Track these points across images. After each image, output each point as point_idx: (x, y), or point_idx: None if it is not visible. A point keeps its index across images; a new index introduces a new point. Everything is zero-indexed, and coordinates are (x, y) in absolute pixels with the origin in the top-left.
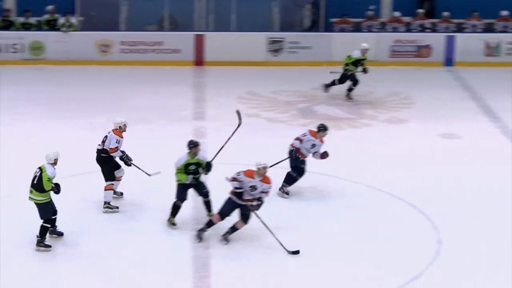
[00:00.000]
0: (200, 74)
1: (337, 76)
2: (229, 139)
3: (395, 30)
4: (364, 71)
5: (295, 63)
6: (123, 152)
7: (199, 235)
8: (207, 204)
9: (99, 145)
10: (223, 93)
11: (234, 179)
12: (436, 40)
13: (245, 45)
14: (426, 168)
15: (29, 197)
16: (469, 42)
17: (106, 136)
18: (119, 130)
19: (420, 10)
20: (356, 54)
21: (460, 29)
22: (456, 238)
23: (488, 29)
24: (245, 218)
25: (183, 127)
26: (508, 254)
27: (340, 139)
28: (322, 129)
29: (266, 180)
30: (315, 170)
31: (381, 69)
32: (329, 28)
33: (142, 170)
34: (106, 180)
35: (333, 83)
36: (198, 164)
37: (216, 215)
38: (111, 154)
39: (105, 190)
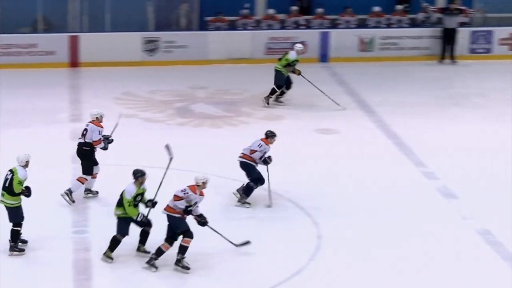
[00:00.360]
0: (75, 76)
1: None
2: (164, 174)
3: (270, 27)
4: (294, 72)
5: (171, 62)
6: (104, 142)
7: (186, 265)
8: (146, 236)
9: (79, 138)
10: (99, 94)
11: (180, 198)
12: (310, 37)
13: (120, 45)
14: (304, 164)
15: (1, 201)
16: (343, 38)
17: (85, 129)
18: (98, 121)
19: (294, 7)
20: (293, 55)
21: (334, 25)
22: (335, 232)
23: (362, 24)
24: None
25: (60, 130)
26: (386, 246)
27: (217, 137)
28: (271, 135)
29: (202, 193)
30: (192, 168)
31: (257, 66)
32: (204, 26)
33: (113, 130)
34: (84, 173)
35: (282, 92)
36: (142, 194)
37: (186, 239)
38: (95, 146)
39: (77, 180)
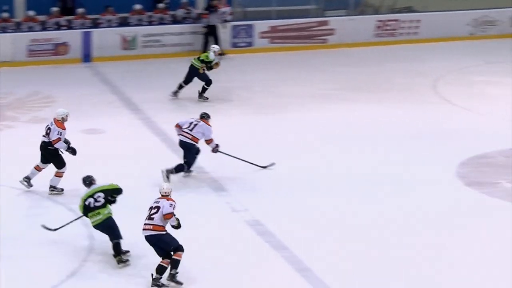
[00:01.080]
0: None
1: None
2: None
3: (30, 29)
4: (212, 67)
5: None
6: (67, 143)
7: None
8: (119, 246)
9: (43, 136)
10: None
11: (172, 214)
12: (72, 37)
13: None
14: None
15: None
16: (106, 37)
17: (49, 128)
18: (61, 121)
19: (55, 8)
20: (212, 56)
21: (96, 24)
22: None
23: (123, 23)
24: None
25: None
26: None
27: None
28: (207, 116)
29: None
30: None
31: (20, 69)
32: None
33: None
34: (58, 168)
35: (180, 87)
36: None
37: (179, 252)
38: (54, 145)
39: (55, 175)
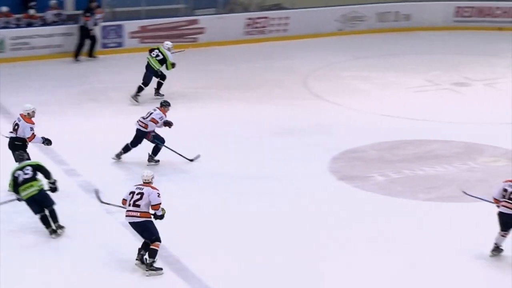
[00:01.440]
0: None
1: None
2: None
3: None
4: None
5: None
6: (43, 138)
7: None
8: (54, 213)
9: (10, 132)
10: None
11: (160, 204)
12: None
13: None
14: None
15: None
16: None
17: (17, 124)
18: (29, 117)
19: None
20: (171, 57)
21: None
22: None
23: None
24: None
25: None
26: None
27: None
28: (166, 104)
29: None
30: None
31: None
32: None
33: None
34: None
35: (141, 89)
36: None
37: (158, 243)
38: (30, 142)
39: None
